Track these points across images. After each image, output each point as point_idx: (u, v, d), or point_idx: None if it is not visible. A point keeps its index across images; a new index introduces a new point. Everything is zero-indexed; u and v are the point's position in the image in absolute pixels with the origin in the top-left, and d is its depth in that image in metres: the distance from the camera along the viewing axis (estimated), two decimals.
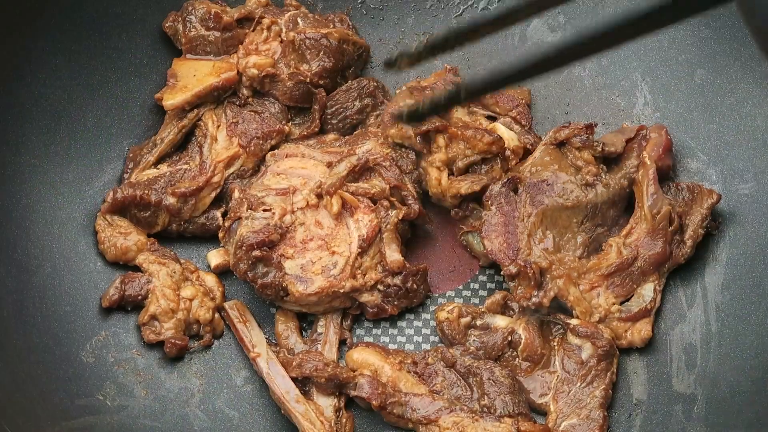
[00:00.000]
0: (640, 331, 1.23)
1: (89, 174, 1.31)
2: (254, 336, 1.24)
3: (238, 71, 1.32)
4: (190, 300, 1.26)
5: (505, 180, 1.26)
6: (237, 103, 1.33)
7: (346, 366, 1.23)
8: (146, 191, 1.28)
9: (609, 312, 1.23)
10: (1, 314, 1.20)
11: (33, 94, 1.29)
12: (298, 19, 1.34)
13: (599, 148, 1.26)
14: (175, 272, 1.26)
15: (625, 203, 1.28)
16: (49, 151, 1.29)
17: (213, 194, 1.30)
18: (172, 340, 1.24)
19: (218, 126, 1.32)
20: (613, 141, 1.28)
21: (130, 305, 1.27)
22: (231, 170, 1.30)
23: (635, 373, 1.24)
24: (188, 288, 1.26)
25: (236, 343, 1.26)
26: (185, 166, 1.31)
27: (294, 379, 1.21)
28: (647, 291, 1.24)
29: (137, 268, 1.28)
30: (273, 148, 1.32)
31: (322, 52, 1.31)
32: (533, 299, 1.21)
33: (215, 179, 1.30)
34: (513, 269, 1.22)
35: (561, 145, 1.27)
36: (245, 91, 1.32)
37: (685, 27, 1.32)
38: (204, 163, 1.30)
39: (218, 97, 1.32)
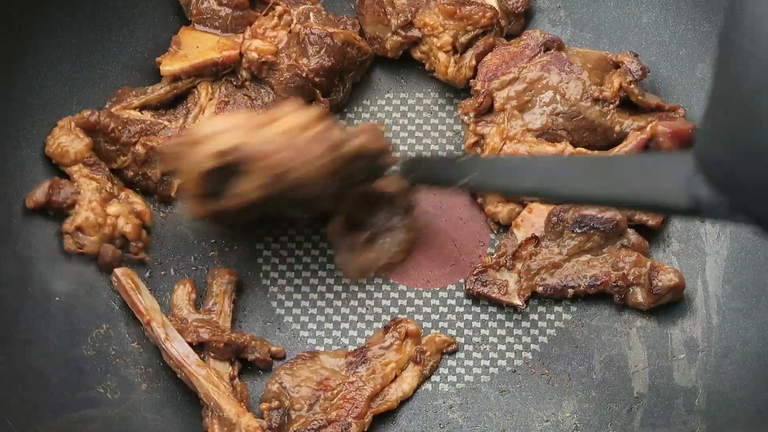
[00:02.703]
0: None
1: None
2: (147, 302, 1.25)
3: (240, 52, 1.32)
4: (116, 217, 1.27)
5: (552, 37, 1.31)
6: (234, 83, 1.33)
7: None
8: (120, 127, 1.29)
9: None
10: (2, 307, 1.20)
11: (34, 87, 1.29)
12: (311, 14, 1.34)
13: (635, 89, 1.28)
14: (104, 189, 1.27)
15: (601, 144, 1.30)
16: None
17: None
18: (104, 249, 1.26)
19: (210, 99, 1.32)
20: (648, 97, 1.30)
21: (54, 211, 1.26)
22: None
23: (636, 366, 1.24)
24: (115, 205, 1.27)
25: None
26: (166, 123, 1.31)
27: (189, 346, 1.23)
28: None
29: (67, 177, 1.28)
30: None
31: (323, 50, 1.31)
32: (465, 116, 1.30)
33: None
34: (478, 85, 1.30)
35: (616, 66, 1.31)
36: (244, 73, 1.32)
37: (686, 21, 1.33)
38: (184, 130, 1.30)
39: (216, 72, 1.32)
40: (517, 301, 1.26)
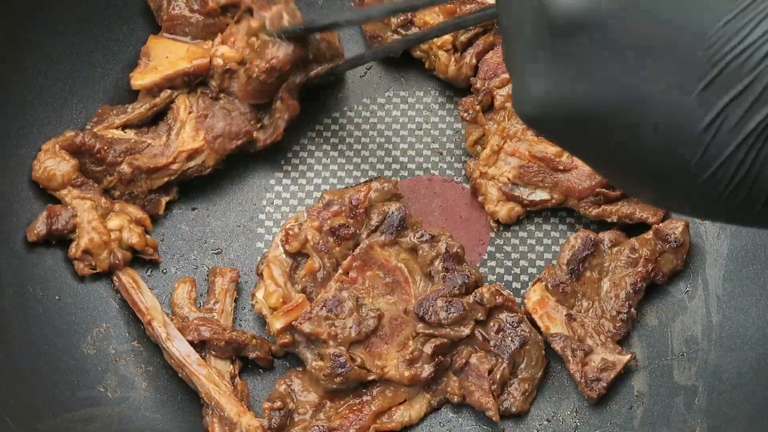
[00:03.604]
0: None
1: None
2: (148, 300, 1.25)
3: (210, 59, 1.30)
4: (119, 230, 1.26)
5: None
6: (210, 95, 1.31)
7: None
8: (105, 147, 1.28)
9: (495, 178, 1.28)
10: (1, 306, 1.20)
11: (34, 86, 1.29)
12: (284, 14, 1.30)
13: None
14: (99, 206, 1.27)
15: None
16: None
17: (166, 179, 1.30)
18: (118, 258, 1.26)
19: (189, 113, 1.31)
20: None
21: (56, 239, 1.26)
22: (191, 163, 1.30)
23: (636, 364, 1.24)
24: (114, 219, 1.27)
25: None
26: (150, 141, 1.30)
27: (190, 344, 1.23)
28: (536, 195, 1.28)
29: (58, 201, 1.28)
30: (238, 148, 1.31)
31: (280, 49, 1.26)
32: (465, 113, 1.30)
33: (174, 167, 1.29)
34: (479, 83, 1.31)
35: None
36: (214, 83, 1.30)
37: None
38: (168, 147, 1.29)
39: (189, 83, 1.31)
40: None
